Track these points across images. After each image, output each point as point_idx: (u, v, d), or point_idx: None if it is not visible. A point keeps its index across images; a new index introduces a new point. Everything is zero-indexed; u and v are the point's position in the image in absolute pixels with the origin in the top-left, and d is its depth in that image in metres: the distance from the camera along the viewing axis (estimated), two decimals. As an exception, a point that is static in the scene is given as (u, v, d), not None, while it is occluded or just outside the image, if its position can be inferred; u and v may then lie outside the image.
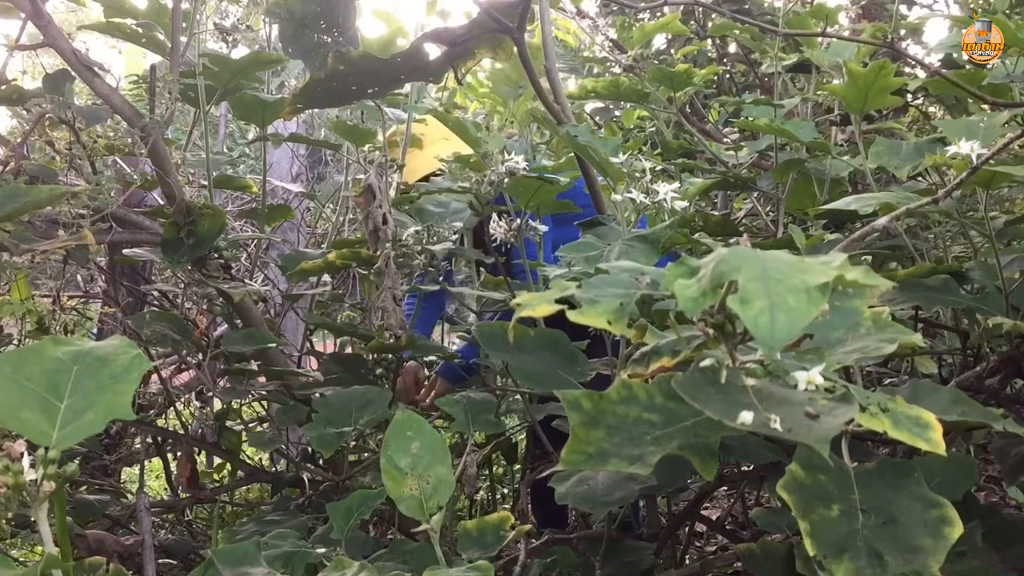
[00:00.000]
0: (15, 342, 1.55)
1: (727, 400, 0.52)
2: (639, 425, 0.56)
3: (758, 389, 0.54)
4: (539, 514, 1.99)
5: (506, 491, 2.24)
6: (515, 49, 1.31)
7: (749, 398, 0.53)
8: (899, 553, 0.53)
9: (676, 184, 1.08)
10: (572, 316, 0.56)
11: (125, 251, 1.65)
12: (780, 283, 0.44)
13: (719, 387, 0.54)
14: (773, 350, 0.43)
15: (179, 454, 1.68)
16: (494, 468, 2.17)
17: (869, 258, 1.13)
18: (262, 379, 1.58)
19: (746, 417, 0.50)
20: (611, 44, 2.07)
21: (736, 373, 0.55)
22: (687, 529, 1.50)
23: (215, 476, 2.28)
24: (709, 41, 2.80)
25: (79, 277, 2.12)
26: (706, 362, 0.57)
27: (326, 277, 1.89)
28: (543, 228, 1.43)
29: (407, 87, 1.76)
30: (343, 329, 1.71)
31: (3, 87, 1.42)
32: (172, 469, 1.83)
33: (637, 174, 1.09)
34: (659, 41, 3.19)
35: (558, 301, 0.56)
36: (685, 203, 1.05)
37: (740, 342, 0.55)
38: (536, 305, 0.55)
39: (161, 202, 1.62)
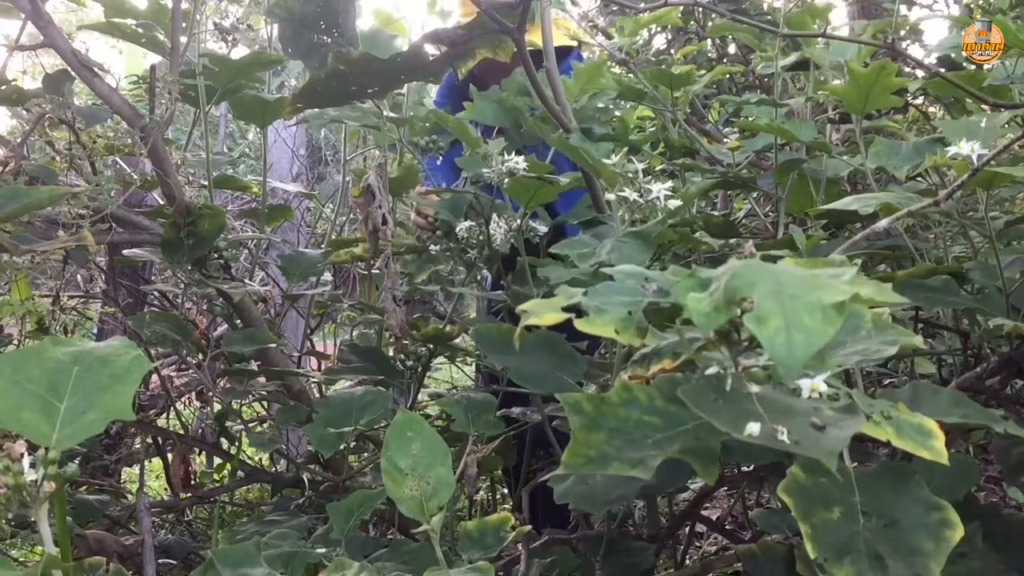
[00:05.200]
0: (15, 342, 1.55)
1: (733, 409, 0.52)
2: (640, 428, 0.55)
3: (763, 397, 0.54)
4: (536, 512, 1.99)
5: (506, 491, 2.24)
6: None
7: (755, 407, 0.52)
8: (900, 556, 0.53)
9: (670, 183, 1.08)
10: (579, 325, 0.56)
11: (125, 251, 1.64)
12: (795, 300, 0.44)
13: (723, 394, 0.54)
14: (791, 370, 0.43)
15: (171, 455, 1.68)
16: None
17: (860, 261, 1.13)
18: (262, 379, 1.58)
19: (753, 428, 0.49)
20: (604, 39, 2.07)
21: (740, 381, 0.55)
22: (687, 529, 1.50)
23: (215, 476, 2.28)
24: (709, 41, 2.80)
25: (79, 277, 2.12)
26: (711, 370, 0.56)
27: (327, 276, 1.89)
28: (543, 228, 1.43)
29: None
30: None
31: (3, 87, 1.42)
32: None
33: (630, 175, 1.09)
34: (659, 41, 3.19)
35: (565, 309, 0.56)
36: (679, 202, 1.05)
37: (745, 349, 0.55)
38: (543, 314, 0.55)
39: (161, 202, 1.62)
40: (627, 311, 0.56)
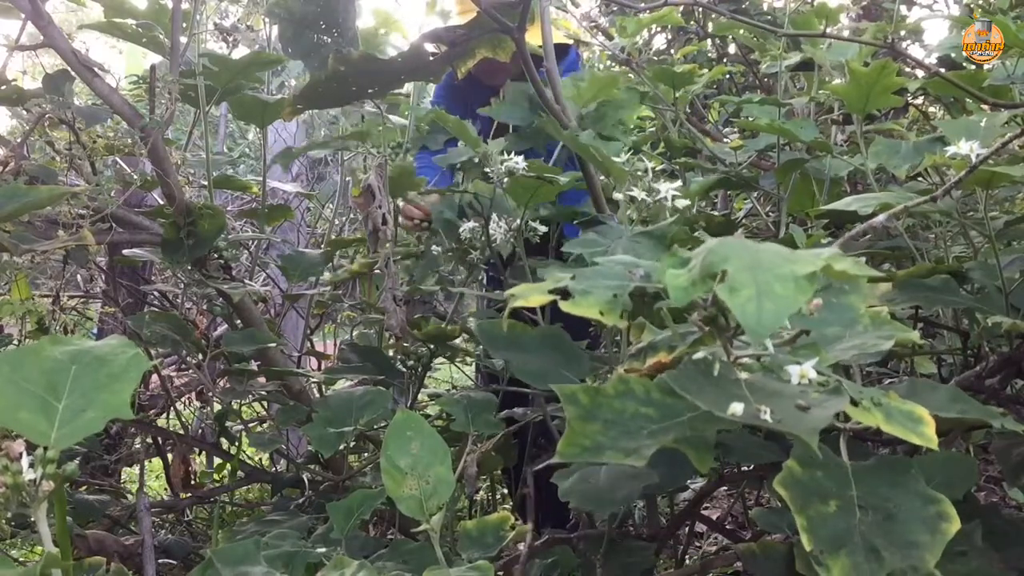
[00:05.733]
0: (15, 342, 1.55)
1: (719, 392, 0.52)
2: (635, 419, 0.56)
3: (751, 382, 0.54)
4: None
5: (506, 491, 2.24)
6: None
7: (741, 390, 0.53)
8: (896, 549, 0.53)
9: (678, 183, 1.08)
10: (565, 307, 0.56)
11: (125, 251, 1.65)
12: (768, 271, 0.45)
13: (713, 380, 0.54)
14: (760, 337, 0.43)
15: (171, 455, 1.68)
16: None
17: (863, 259, 1.13)
18: (262, 379, 1.58)
19: (736, 408, 0.50)
20: (605, 39, 2.08)
21: (729, 366, 0.55)
22: (687, 529, 1.50)
23: (215, 476, 2.28)
24: (709, 41, 2.80)
25: (79, 277, 2.12)
26: (699, 354, 0.57)
27: (326, 275, 1.89)
28: (543, 229, 1.43)
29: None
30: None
31: (3, 87, 1.42)
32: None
33: (639, 173, 1.09)
34: (659, 41, 3.19)
35: (551, 292, 0.56)
36: (687, 201, 1.05)
37: (734, 336, 0.55)
38: (529, 296, 0.55)
39: (161, 202, 1.62)
40: (612, 294, 0.56)
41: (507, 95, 1.48)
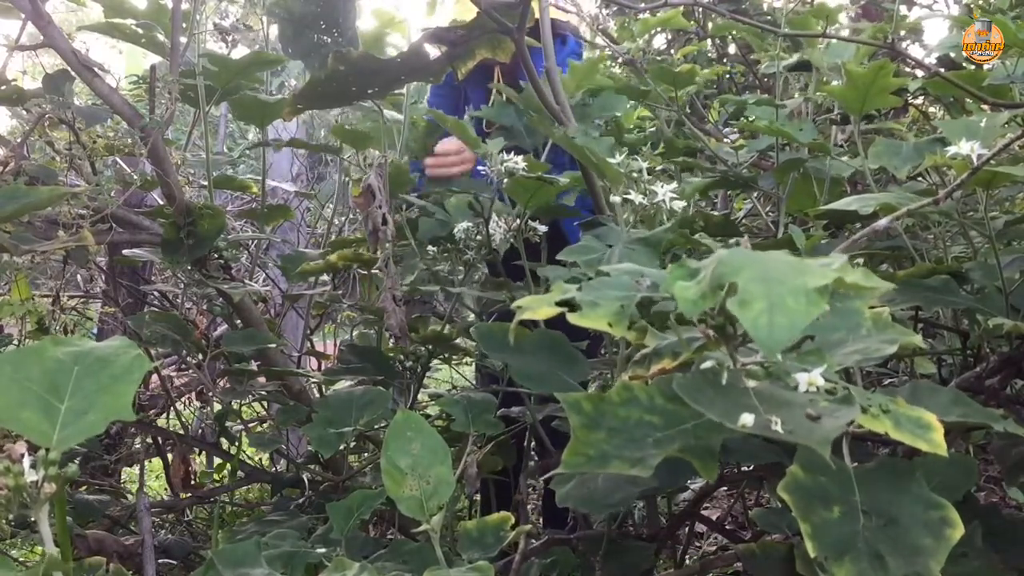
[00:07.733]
0: (15, 342, 1.55)
1: (728, 402, 0.52)
2: (640, 427, 0.55)
3: (759, 391, 0.54)
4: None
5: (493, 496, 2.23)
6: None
7: (750, 400, 0.53)
8: (900, 554, 0.53)
9: (674, 184, 1.08)
10: (573, 319, 0.56)
11: (125, 251, 1.65)
12: (780, 285, 0.45)
13: (720, 389, 0.54)
14: (772, 352, 0.43)
15: (171, 455, 1.68)
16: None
17: (861, 260, 1.13)
18: (262, 379, 1.58)
19: (747, 419, 0.50)
20: (608, 40, 2.08)
21: (737, 375, 0.55)
22: (687, 529, 1.50)
23: (215, 476, 2.28)
24: (709, 41, 2.80)
25: (79, 277, 2.12)
26: (707, 364, 0.56)
27: (325, 276, 1.89)
28: (543, 228, 1.43)
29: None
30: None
31: (3, 87, 1.42)
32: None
33: (635, 175, 1.09)
34: (659, 41, 3.19)
35: (559, 304, 0.56)
36: (683, 203, 1.05)
37: (741, 344, 0.55)
38: (537, 308, 0.55)
39: (161, 202, 1.62)
40: (620, 305, 0.56)
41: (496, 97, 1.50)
